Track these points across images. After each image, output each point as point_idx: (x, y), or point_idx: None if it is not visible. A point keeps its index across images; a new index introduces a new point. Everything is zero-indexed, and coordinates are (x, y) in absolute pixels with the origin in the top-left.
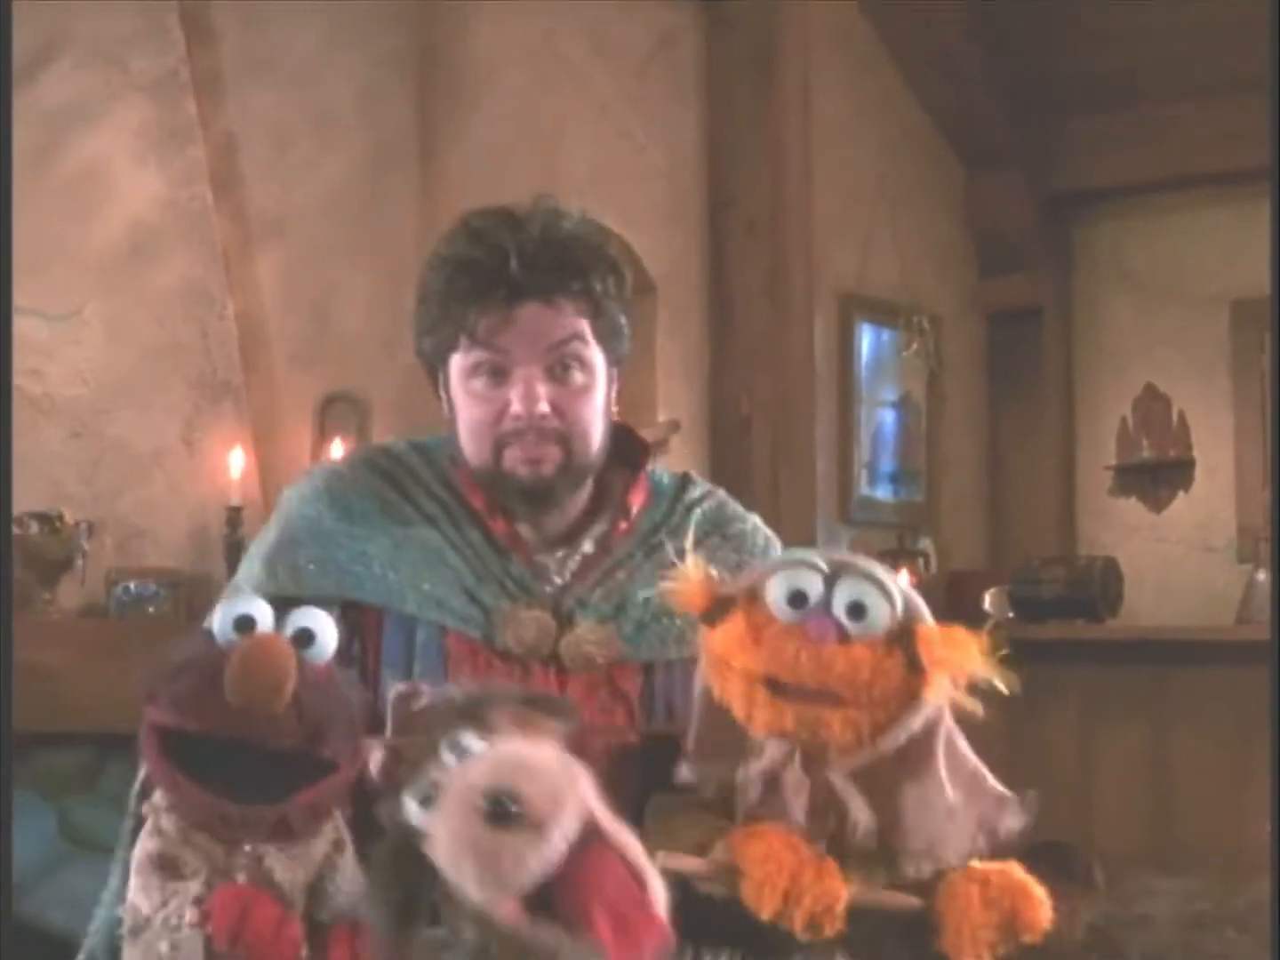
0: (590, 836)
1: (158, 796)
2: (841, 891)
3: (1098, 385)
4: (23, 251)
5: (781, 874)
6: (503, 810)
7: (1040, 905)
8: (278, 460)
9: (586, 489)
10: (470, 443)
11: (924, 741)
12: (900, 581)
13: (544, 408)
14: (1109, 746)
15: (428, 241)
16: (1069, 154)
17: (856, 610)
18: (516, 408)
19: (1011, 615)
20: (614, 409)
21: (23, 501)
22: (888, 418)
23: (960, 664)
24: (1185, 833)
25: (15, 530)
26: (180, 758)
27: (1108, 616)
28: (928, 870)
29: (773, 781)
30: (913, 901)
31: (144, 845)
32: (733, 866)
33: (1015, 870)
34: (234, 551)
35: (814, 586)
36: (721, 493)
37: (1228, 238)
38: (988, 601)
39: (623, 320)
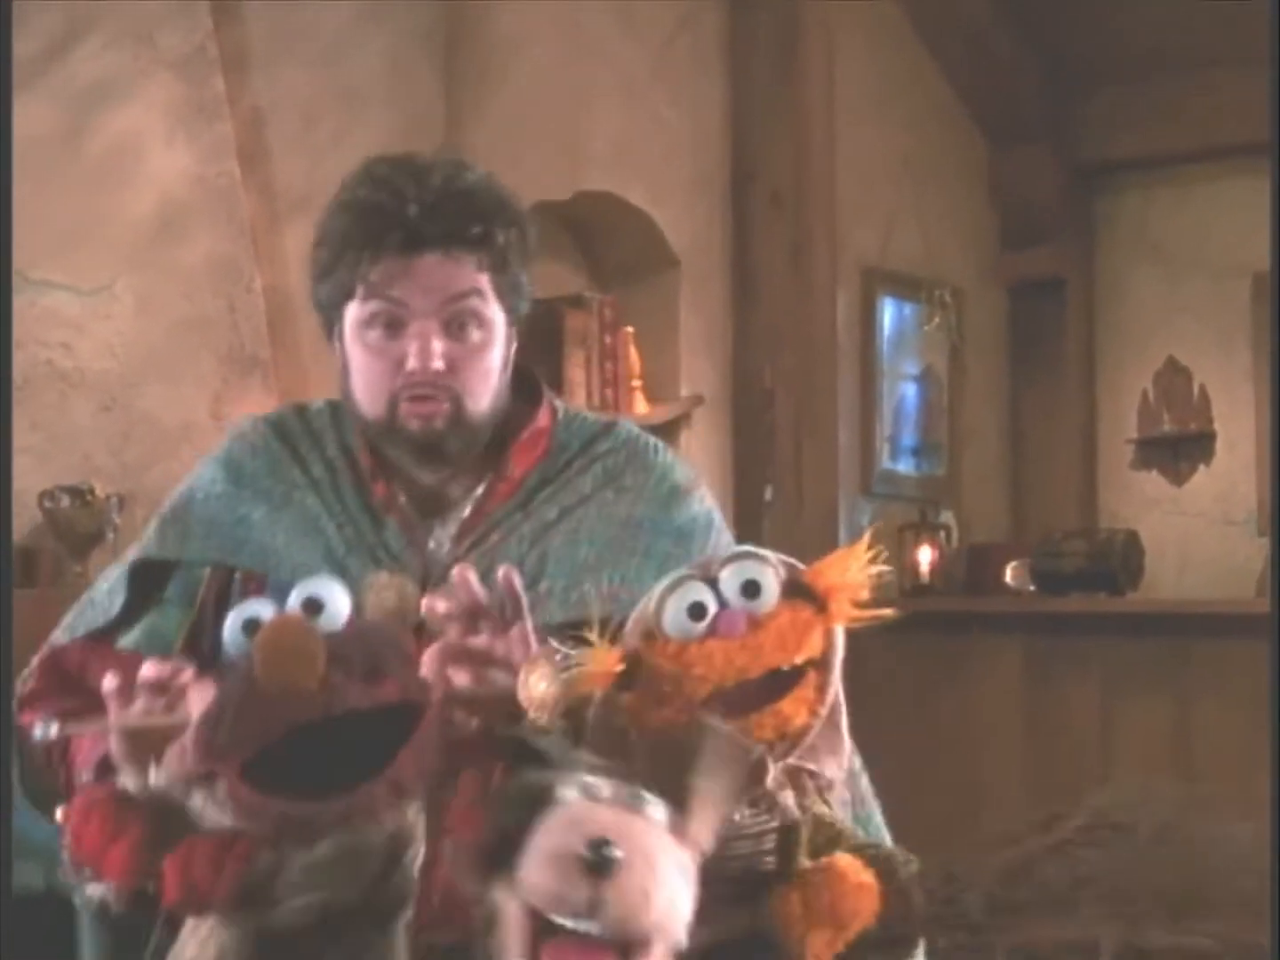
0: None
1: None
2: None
3: (1119, 358)
4: (54, 227)
5: None
6: (603, 863)
7: (856, 891)
8: None
9: (479, 447)
10: (365, 396)
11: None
12: (759, 549)
13: (439, 364)
14: (1130, 719)
15: None
16: (1092, 126)
17: (750, 589)
18: (412, 363)
19: (1033, 588)
20: (510, 365)
21: (54, 475)
22: (909, 391)
23: (851, 580)
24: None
25: (46, 503)
26: (265, 769)
27: (1128, 589)
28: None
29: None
30: (747, 925)
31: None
32: None
33: (839, 860)
34: None
35: (703, 592)
36: (641, 443)
37: (1251, 210)
38: (1009, 575)
39: (524, 277)
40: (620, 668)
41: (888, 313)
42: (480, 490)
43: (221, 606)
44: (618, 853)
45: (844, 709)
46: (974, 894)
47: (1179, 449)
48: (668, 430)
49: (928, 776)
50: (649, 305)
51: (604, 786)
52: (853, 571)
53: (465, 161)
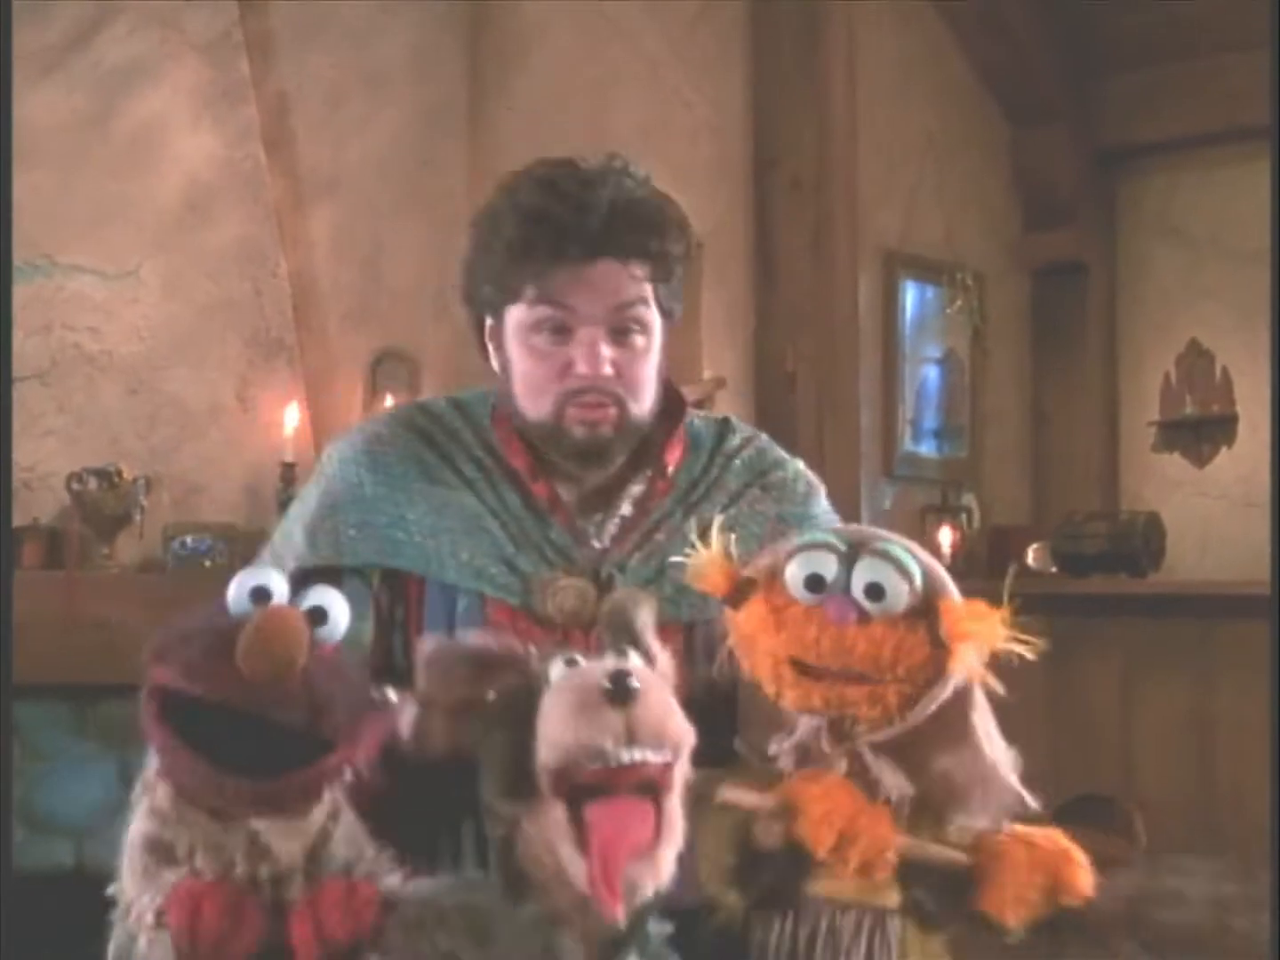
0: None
1: (151, 771)
2: (893, 838)
3: (1141, 341)
4: (81, 211)
5: (839, 814)
6: (626, 689)
7: (1082, 870)
8: (330, 417)
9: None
10: (529, 398)
11: (957, 708)
12: (922, 555)
13: (608, 370)
14: (1151, 701)
15: (477, 199)
16: (1115, 108)
17: (874, 591)
18: (581, 368)
19: (1054, 570)
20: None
21: (81, 457)
22: (931, 374)
23: (985, 637)
24: (1226, 787)
25: (74, 486)
26: (179, 725)
27: (1150, 571)
28: (968, 836)
29: (805, 755)
30: (960, 858)
31: (138, 826)
32: (792, 804)
33: (1059, 835)
34: (288, 508)
35: (830, 569)
36: (762, 438)
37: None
38: (1030, 557)
39: (680, 282)
40: (727, 589)
41: (909, 296)
42: (640, 488)
43: (393, 611)
44: (635, 683)
45: (978, 767)
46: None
47: (1201, 431)
48: None
49: None
50: None
51: (578, 657)
52: (991, 628)
53: (627, 167)
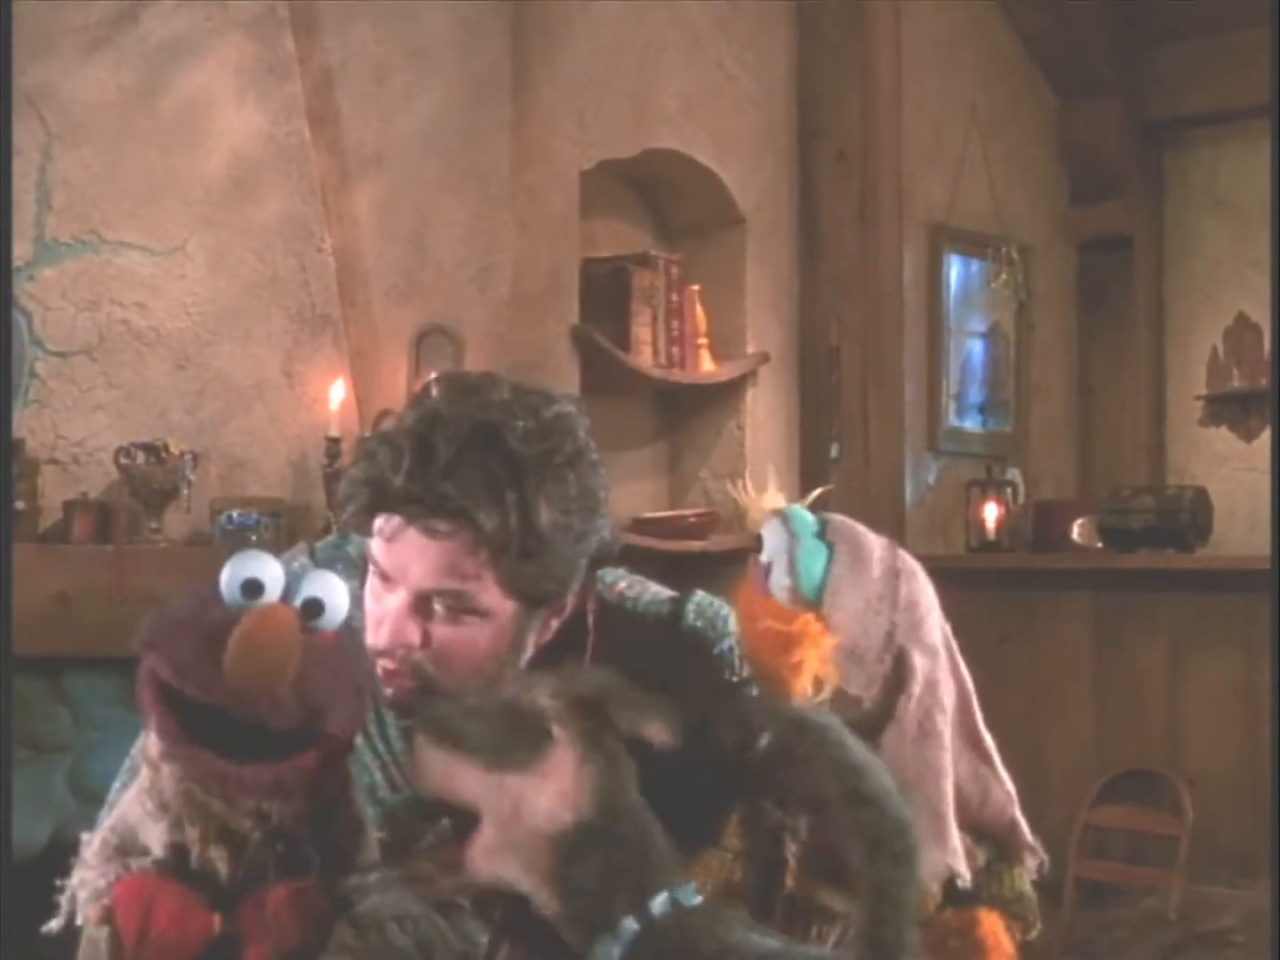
0: None
1: (150, 748)
2: None
3: (1188, 314)
4: (128, 187)
5: None
6: None
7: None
8: (375, 392)
9: None
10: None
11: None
12: (846, 572)
13: (411, 639)
14: (1199, 676)
15: (522, 173)
16: (1162, 80)
17: (767, 568)
18: (381, 634)
19: (1100, 545)
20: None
21: (130, 432)
22: (976, 348)
23: (816, 668)
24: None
25: (122, 460)
26: (178, 710)
27: (1197, 546)
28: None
29: None
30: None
31: (133, 806)
32: None
33: (982, 923)
34: (333, 482)
35: (772, 536)
36: (721, 647)
37: None
38: (1076, 532)
39: (554, 556)
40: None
41: (954, 269)
42: None
43: None
44: None
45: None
46: None
47: (1249, 405)
48: (734, 388)
49: (995, 733)
50: (715, 263)
51: None
52: (815, 659)
53: (520, 406)
